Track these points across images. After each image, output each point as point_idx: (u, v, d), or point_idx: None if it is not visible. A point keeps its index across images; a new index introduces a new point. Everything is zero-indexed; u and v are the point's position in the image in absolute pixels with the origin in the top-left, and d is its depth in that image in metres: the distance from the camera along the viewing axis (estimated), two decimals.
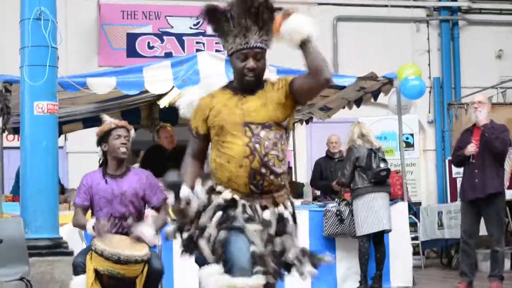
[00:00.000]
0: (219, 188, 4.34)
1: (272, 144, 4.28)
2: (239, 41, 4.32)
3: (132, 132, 6.18)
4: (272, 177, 4.28)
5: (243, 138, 4.27)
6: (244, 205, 4.27)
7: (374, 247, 8.89)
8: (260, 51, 4.35)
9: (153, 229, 5.78)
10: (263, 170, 4.25)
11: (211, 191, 4.36)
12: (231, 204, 4.28)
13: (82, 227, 6.03)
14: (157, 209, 6.08)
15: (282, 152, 4.32)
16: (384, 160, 8.86)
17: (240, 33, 4.31)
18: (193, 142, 4.67)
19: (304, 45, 4.25)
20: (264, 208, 4.30)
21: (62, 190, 10.22)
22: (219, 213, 4.25)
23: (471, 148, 8.52)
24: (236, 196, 4.28)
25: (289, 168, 9.03)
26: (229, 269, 4.13)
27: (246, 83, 4.36)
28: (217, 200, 4.30)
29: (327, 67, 4.21)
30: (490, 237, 8.59)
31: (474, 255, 8.71)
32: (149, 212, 5.92)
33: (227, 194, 4.29)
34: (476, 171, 8.51)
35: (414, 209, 12.28)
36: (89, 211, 6.17)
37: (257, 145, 4.25)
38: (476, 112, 8.61)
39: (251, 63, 4.31)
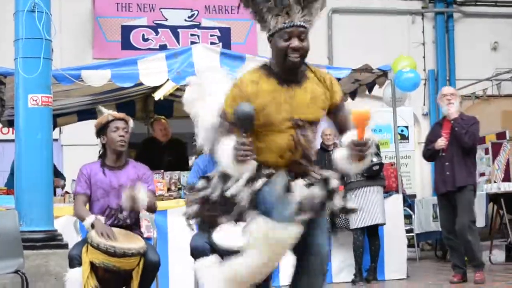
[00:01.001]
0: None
1: (314, 138, 4.23)
2: (281, 19, 4.08)
3: (131, 122, 6.19)
4: (308, 165, 4.22)
5: (289, 132, 4.14)
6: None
7: (369, 240, 8.91)
8: (305, 31, 4.12)
9: (144, 190, 5.77)
10: (303, 161, 4.19)
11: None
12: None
13: (82, 219, 6.01)
14: None
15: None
16: (377, 154, 8.85)
17: (283, 12, 4.08)
18: (226, 126, 4.18)
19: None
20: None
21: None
22: (263, 179, 4.07)
23: (441, 142, 8.54)
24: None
25: None
26: (268, 215, 3.94)
27: (291, 64, 4.11)
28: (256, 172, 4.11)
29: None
30: (462, 227, 8.40)
31: (460, 247, 8.60)
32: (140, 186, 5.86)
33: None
34: (447, 163, 8.51)
35: (409, 201, 12.31)
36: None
37: (302, 140, 4.14)
38: (449, 105, 8.58)
39: (295, 42, 4.07)
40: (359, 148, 4.03)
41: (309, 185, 4.13)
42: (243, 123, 3.97)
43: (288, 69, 4.14)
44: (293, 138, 4.12)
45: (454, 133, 8.47)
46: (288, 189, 4.00)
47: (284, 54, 4.08)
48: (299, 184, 4.09)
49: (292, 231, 3.90)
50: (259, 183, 4.02)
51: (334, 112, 4.31)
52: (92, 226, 5.74)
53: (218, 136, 4.13)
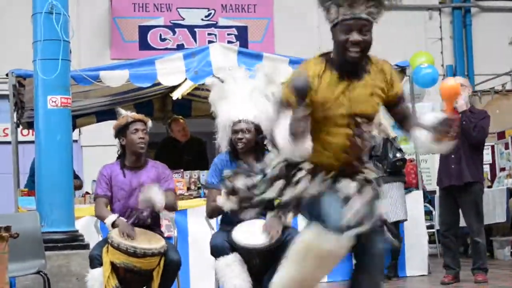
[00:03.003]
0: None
1: (369, 136, 4.08)
2: (343, 10, 3.88)
3: (149, 123, 6.20)
4: (359, 166, 4.11)
5: (346, 130, 3.99)
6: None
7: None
8: (367, 24, 3.92)
9: (161, 192, 5.79)
10: (355, 163, 4.08)
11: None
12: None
13: (103, 220, 6.05)
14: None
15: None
16: (400, 150, 8.77)
17: (345, 2, 3.87)
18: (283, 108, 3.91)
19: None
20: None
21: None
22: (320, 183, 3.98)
23: None
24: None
25: None
26: (321, 223, 3.84)
27: (350, 59, 3.92)
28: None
29: None
30: (469, 229, 8.30)
31: (455, 247, 8.44)
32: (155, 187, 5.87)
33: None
34: (452, 156, 8.15)
35: (429, 197, 12.24)
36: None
37: (358, 139, 4.01)
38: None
39: (355, 36, 3.87)
40: (447, 127, 3.91)
41: (361, 186, 4.03)
42: (300, 92, 3.76)
43: (348, 63, 3.97)
44: (349, 139, 3.99)
45: (461, 127, 8.04)
46: (347, 199, 3.90)
47: (343, 48, 3.91)
48: (352, 189, 3.99)
49: (345, 243, 3.82)
50: (315, 188, 3.96)
51: (395, 104, 4.17)
52: (113, 225, 5.77)
53: (275, 120, 3.87)
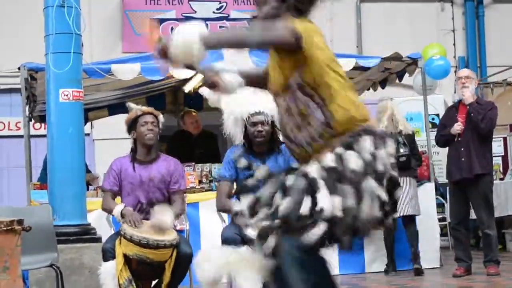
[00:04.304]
0: None
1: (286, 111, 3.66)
2: None
3: (161, 117, 6.21)
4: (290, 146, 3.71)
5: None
6: None
7: (405, 228, 8.80)
8: None
9: (171, 215, 5.79)
10: (285, 141, 3.78)
11: None
12: None
13: (110, 212, 6.10)
14: (172, 194, 6.11)
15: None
16: (405, 145, 8.68)
17: None
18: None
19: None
20: None
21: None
22: None
23: (458, 127, 8.15)
24: None
25: None
26: None
27: None
28: None
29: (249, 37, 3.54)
30: (480, 221, 8.29)
31: (466, 240, 8.44)
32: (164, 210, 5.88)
33: None
34: (462, 149, 8.14)
35: (441, 190, 12.22)
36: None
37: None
38: (463, 88, 8.25)
39: None
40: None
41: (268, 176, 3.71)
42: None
43: None
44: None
45: (470, 119, 8.11)
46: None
47: None
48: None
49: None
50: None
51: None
52: (122, 215, 5.79)
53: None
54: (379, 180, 3.43)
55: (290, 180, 3.49)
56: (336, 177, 3.39)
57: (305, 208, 3.34)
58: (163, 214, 5.74)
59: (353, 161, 3.41)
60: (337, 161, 3.42)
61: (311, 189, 3.37)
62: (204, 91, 4.59)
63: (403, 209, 8.58)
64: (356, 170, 3.39)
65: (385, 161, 3.49)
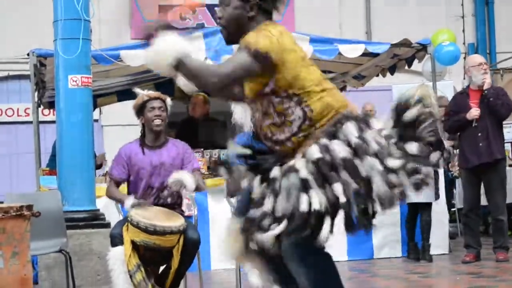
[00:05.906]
0: None
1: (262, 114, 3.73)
2: None
3: (168, 101, 6.20)
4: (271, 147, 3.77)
5: None
6: None
7: (420, 215, 8.76)
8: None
9: (192, 177, 5.80)
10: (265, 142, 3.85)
11: None
12: None
13: (117, 201, 6.11)
14: None
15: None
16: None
17: None
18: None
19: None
20: None
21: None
22: None
23: (475, 112, 8.08)
24: None
25: None
26: None
27: None
28: None
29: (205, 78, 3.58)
30: (494, 207, 8.26)
31: (477, 227, 8.48)
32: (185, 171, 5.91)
33: None
34: (479, 134, 8.10)
35: (450, 176, 12.20)
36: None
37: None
38: (485, 74, 8.20)
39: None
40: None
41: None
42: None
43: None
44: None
45: (487, 104, 8.07)
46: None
47: None
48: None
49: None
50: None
51: None
52: (133, 206, 5.79)
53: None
54: (379, 158, 3.46)
55: (275, 174, 3.57)
56: (327, 167, 3.43)
57: (304, 206, 3.39)
58: (183, 173, 5.78)
59: (341, 149, 3.46)
60: (323, 151, 3.46)
61: (304, 185, 3.42)
62: (180, 81, 4.56)
63: (414, 196, 8.52)
64: (346, 157, 3.44)
65: (378, 140, 3.52)
